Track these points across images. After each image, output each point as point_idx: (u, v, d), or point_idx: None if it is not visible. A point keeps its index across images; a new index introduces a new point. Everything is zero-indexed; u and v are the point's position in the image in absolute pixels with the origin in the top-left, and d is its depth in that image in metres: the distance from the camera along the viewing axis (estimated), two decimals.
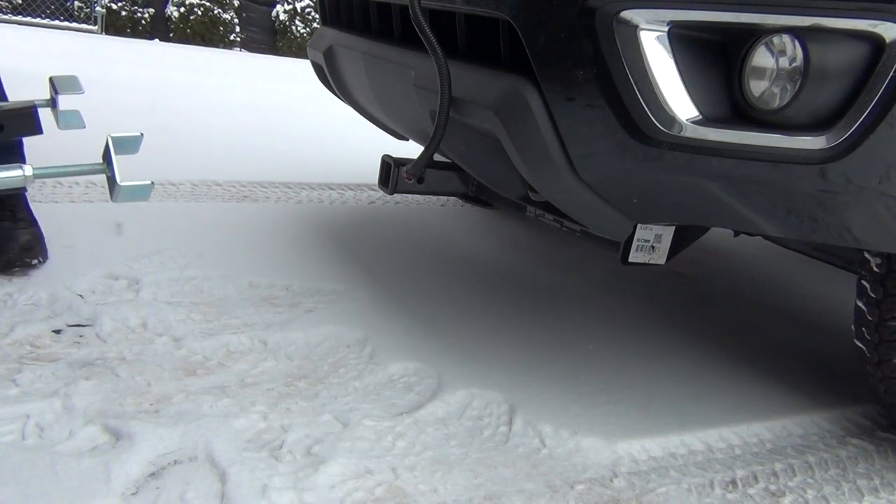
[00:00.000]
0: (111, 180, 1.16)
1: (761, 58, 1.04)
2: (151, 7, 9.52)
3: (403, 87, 1.54)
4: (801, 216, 1.12)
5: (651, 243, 1.43)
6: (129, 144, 1.20)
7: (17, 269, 1.65)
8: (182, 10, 9.62)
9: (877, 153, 1.02)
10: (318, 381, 1.42)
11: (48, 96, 1.31)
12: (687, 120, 1.08)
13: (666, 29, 1.06)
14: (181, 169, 2.72)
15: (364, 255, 2.15)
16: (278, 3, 10.40)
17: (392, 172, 1.85)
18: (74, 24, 8.99)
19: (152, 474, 1.09)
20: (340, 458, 1.17)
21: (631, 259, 1.42)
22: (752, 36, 1.04)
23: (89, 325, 1.49)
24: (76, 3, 9.02)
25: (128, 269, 1.78)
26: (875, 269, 1.36)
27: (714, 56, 1.08)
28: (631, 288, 2.22)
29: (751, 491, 1.30)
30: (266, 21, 10.41)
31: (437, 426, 1.33)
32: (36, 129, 1.27)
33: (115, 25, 9.26)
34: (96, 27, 9.06)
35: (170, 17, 9.63)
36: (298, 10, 10.31)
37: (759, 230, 1.23)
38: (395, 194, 1.98)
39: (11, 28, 7.62)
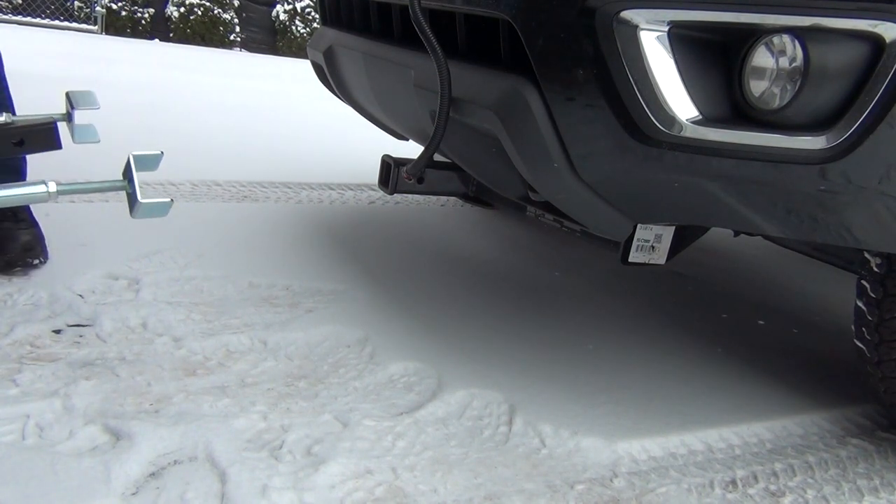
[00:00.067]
0: (132, 197, 1.18)
1: (761, 58, 1.04)
2: (151, 7, 9.52)
3: (403, 87, 1.54)
4: (801, 216, 1.12)
5: (651, 243, 1.43)
6: (149, 162, 1.22)
7: (17, 269, 1.66)
8: (182, 10, 9.62)
9: (877, 153, 1.02)
10: (318, 381, 1.42)
11: (64, 110, 1.33)
12: (687, 120, 1.08)
13: (666, 29, 1.06)
14: (181, 169, 2.72)
15: (364, 255, 2.15)
16: (278, 3, 10.40)
17: (392, 172, 1.85)
18: (74, 24, 8.99)
19: (152, 474, 1.09)
20: (340, 458, 1.17)
21: (631, 259, 1.42)
22: (752, 36, 1.04)
23: (89, 325, 1.49)
24: (76, 3, 9.02)
25: (128, 269, 1.78)
26: (875, 269, 1.36)
27: (714, 56, 1.08)
28: (631, 288, 2.22)
29: (751, 491, 1.30)
30: (266, 21, 10.41)
31: (437, 426, 1.33)
32: (56, 144, 1.30)
33: (115, 25, 9.26)
34: (96, 27, 9.06)
35: (170, 17, 9.63)
36: (298, 10, 10.31)
37: (759, 230, 1.23)
38: (395, 194, 1.98)
39: (11, 28, 7.62)
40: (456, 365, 1.54)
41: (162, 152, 1.24)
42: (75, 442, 1.13)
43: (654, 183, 1.16)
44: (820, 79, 1.01)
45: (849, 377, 1.81)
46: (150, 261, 1.85)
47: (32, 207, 1.73)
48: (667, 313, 2.06)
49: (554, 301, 2.02)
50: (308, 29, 10.24)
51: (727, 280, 2.48)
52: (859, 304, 1.41)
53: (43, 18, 8.73)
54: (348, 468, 1.16)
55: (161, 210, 1.17)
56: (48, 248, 1.73)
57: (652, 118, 1.09)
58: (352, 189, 2.93)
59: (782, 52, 1.03)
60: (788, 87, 1.03)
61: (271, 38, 10.44)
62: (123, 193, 1.18)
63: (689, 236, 1.49)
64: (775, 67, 1.04)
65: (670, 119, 1.08)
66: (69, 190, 1.17)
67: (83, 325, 1.49)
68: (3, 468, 1.04)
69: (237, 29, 10.12)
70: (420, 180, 1.90)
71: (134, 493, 1.04)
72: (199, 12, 9.68)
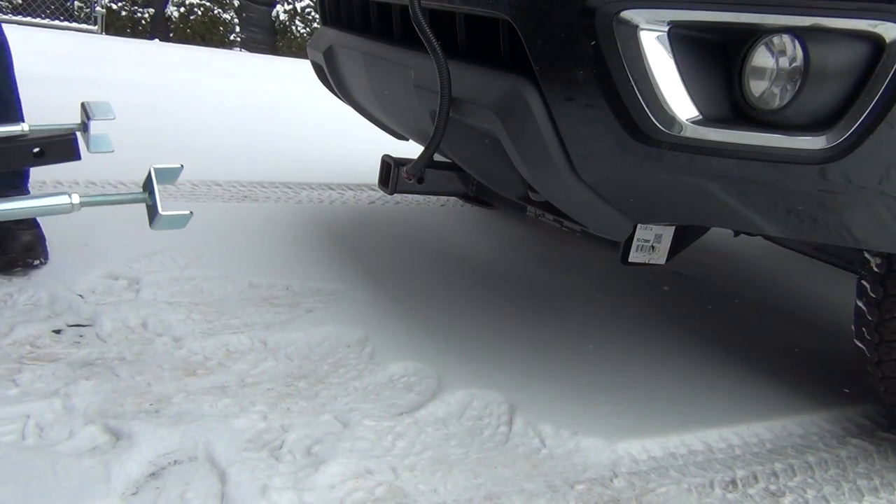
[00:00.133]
0: (152, 209, 1.21)
1: (761, 58, 1.04)
2: (151, 7, 9.53)
3: (403, 87, 1.54)
4: (801, 216, 1.12)
5: (651, 243, 1.43)
6: (169, 175, 1.26)
7: (17, 269, 1.66)
8: (182, 10, 9.62)
9: (877, 153, 1.02)
10: (318, 381, 1.42)
11: (80, 120, 1.35)
12: (687, 120, 1.08)
13: (666, 29, 1.06)
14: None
15: (364, 255, 2.15)
16: (278, 3, 10.40)
17: (392, 172, 1.85)
18: (74, 24, 9.00)
19: (152, 474, 1.09)
20: (340, 458, 1.17)
21: (631, 259, 1.42)
22: (752, 36, 1.04)
23: (89, 325, 1.49)
24: (76, 3, 9.02)
25: (128, 269, 1.78)
26: (875, 269, 1.36)
27: (714, 56, 1.08)
28: (631, 288, 2.22)
29: (751, 491, 1.30)
30: (266, 21, 10.41)
31: (437, 426, 1.33)
32: (75, 155, 1.33)
33: (115, 25, 9.27)
34: (96, 27, 9.06)
35: (170, 17, 9.63)
36: (298, 10, 10.31)
37: (759, 230, 1.23)
38: (395, 194, 1.98)
39: (11, 28, 7.59)
40: (456, 365, 1.54)
41: (182, 165, 1.28)
42: (75, 442, 1.13)
43: (654, 183, 1.16)
44: (820, 79, 1.01)
45: (849, 377, 1.81)
46: (150, 261, 1.85)
47: None
48: (667, 313, 2.06)
49: (554, 301, 2.02)
50: (308, 29, 10.24)
51: (727, 280, 2.48)
52: (859, 304, 1.41)
53: (43, 18, 8.74)
54: (348, 468, 1.16)
55: (180, 222, 1.21)
56: (48, 249, 1.73)
57: (652, 118, 1.09)
58: (352, 189, 2.93)
59: (782, 52, 1.03)
60: (788, 87, 1.03)
61: (271, 38, 10.44)
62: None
63: (689, 236, 1.49)
64: (775, 67, 1.04)
65: (670, 119, 1.08)
66: (92, 202, 1.20)
67: (83, 325, 1.49)
68: (3, 468, 1.04)
69: (237, 29, 10.12)
70: (420, 180, 1.90)
71: (134, 493, 1.04)
72: (199, 12, 9.68)
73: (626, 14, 1.06)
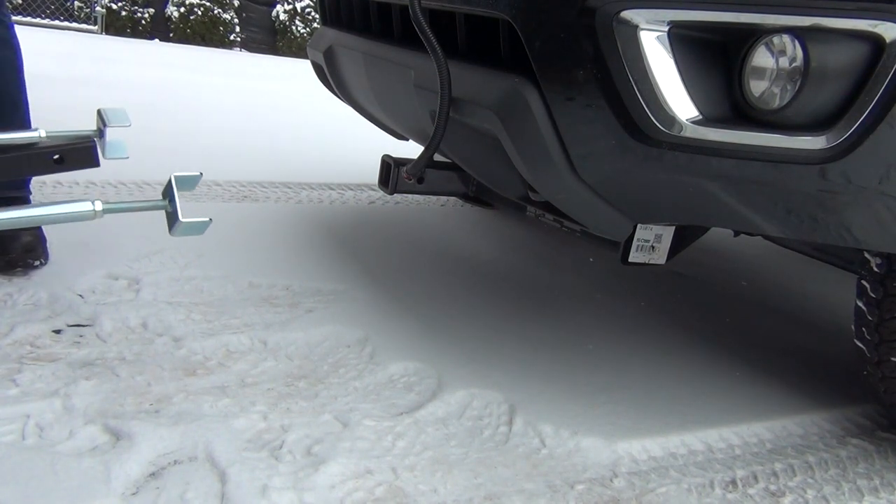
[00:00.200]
0: (172, 216, 1.24)
1: (761, 58, 1.04)
2: (151, 7, 9.52)
3: (403, 87, 1.54)
4: (801, 216, 1.12)
5: (651, 243, 1.43)
6: (189, 182, 1.28)
7: (18, 269, 1.66)
8: (182, 10, 9.62)
9: (877, 153, 1.02)
10: (318, 381, 1.42)
11: (96, 127, 1.37)
12: (687, 120, 1.08)
13: (666, 29, 1.06)
14: (181, 169, 2.72)
15: (364, 255, 2.15)
16: (278, 3, 10.40)
17: (392, 172, 1.85)
18: (74, 24, 8.99)
19: (152, 474, 1.09)
20: (340, 458, 1.17)
21: (631, 259, 1.42)
22: (752, 36, 1.04)
23: (89, 325, 1.49)
24: (76, 3, 9.02)
25: (128, 269, 1.78)
26: (875, 269, 1.36)
27: (714, 56, 1.08)
28: (631, 288, 2.22)
29: (751, 491, 1.30)
30: (266, 21, 10.41)
31: (437, 426, 1.33)
32: (94, 162, 1.35)
33: (115, 25, 9.27)
34: (96, 27, 9.06)
35: (170, 17, 9.63)
36: (298, 10, 10.31)
37: (759, 230, 1.23)
38: (395, 194, 1.98)
39: None
40: (456, 365, 1.54)
41: (201, 173, 1.30)
42: (75, 442, 1.13)
43: (654, 183, 1.16)
44: (820, 79, 1.01)
45: (849, 377, 1.81)
46: (150, 261, 1.85)
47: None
48: (667, 313, 2.06)
49: (554, 301, 2.02)
50: (308, 29, 10.24)
51: (727, 280, 2.48)
52: (859, 304, 1.41)
53: (43, 18, 8.74)
54: (348, 468, 1.16)
55: (199, 228, 1.24)
56: (49, 249, 1.73)
57: (652, 118, 1.09)
58: (352, 189, 2.93)
59: (782, 52, 1.03)
60: (788, 87, 1.03)
61: (271, 38, 10.44)
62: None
63: (689, 236, 1.49)
64: (775, 67, 1.04)
65: (670, 119, 1.08)
66: (113, 209, 1.21)
67: (83, 325, 1.49)
68: (3, 468, 1.04)
69: (237, 29, 10.12)
70: (420, 180, 1.90)
71: (134, 493, 1.04)
72: (199, 12, 9.68)
73: (626, 14, 1.06)
